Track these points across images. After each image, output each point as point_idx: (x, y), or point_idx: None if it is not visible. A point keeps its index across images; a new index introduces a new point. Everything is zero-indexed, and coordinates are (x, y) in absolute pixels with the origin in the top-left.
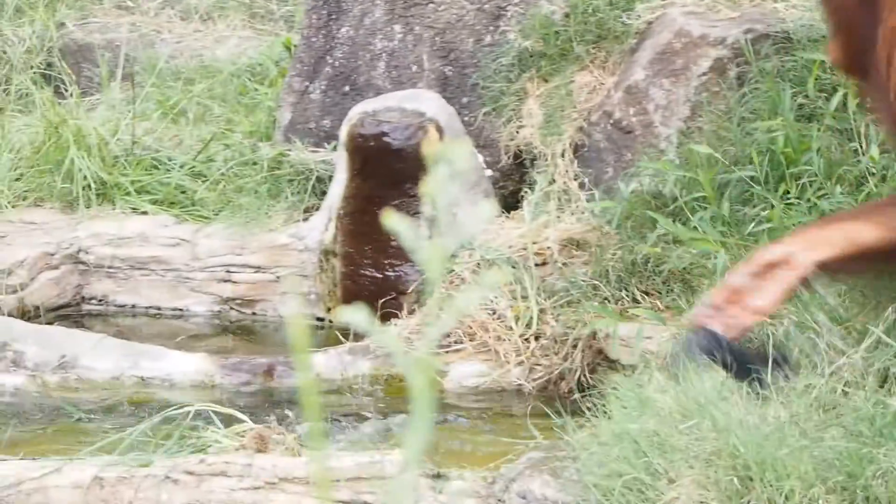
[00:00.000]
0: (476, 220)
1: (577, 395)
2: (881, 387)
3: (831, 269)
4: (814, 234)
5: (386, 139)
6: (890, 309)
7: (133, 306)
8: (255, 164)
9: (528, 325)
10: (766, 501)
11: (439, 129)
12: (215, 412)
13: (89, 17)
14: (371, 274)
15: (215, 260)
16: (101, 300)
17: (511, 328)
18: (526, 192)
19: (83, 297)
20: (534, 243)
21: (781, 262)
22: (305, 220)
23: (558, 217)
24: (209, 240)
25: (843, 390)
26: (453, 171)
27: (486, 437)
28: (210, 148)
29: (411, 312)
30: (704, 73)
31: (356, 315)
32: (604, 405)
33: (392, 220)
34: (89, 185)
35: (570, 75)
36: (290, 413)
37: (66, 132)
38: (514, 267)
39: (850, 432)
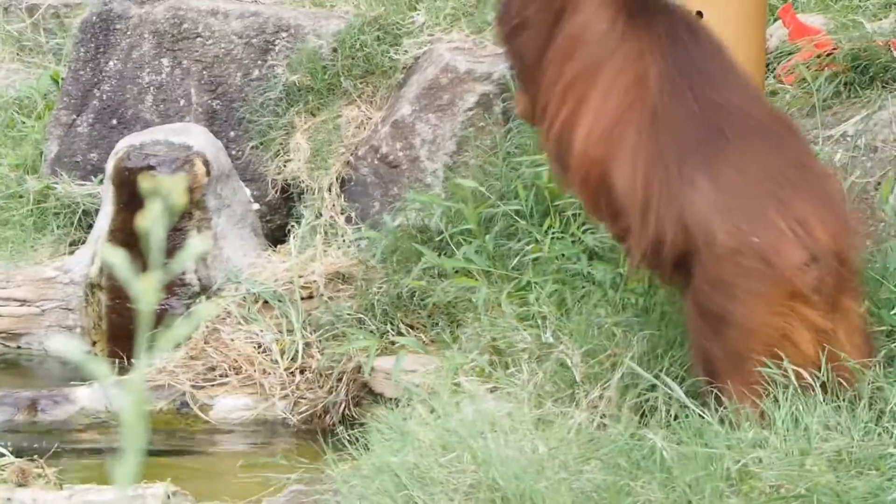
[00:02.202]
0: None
1: (341, 429)
2: (638, 420)
3: None
4: None
5: (153, 172)
6: (637, 337)
7: None
8: (21, 196)
9: (294, 359)
10: None
11: (206, 163)
12: None
13: None
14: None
15: None
16: None
17: (276, 362)
18: (293, 225)
19: None
20: (300, 277)
21: None
22: (71, 253)
23: (325, 251)
24: None
25: (600, 423)
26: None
27: (250, 470)
28: None
29: (177, 346)
30: (470, 109)
31: (67, 345)
32: (366, 438)
33: (108, 253)
34: None
35: (337, 110)
36: (53, 447)
37: None
38: (280, 301)
39: (609, 465)
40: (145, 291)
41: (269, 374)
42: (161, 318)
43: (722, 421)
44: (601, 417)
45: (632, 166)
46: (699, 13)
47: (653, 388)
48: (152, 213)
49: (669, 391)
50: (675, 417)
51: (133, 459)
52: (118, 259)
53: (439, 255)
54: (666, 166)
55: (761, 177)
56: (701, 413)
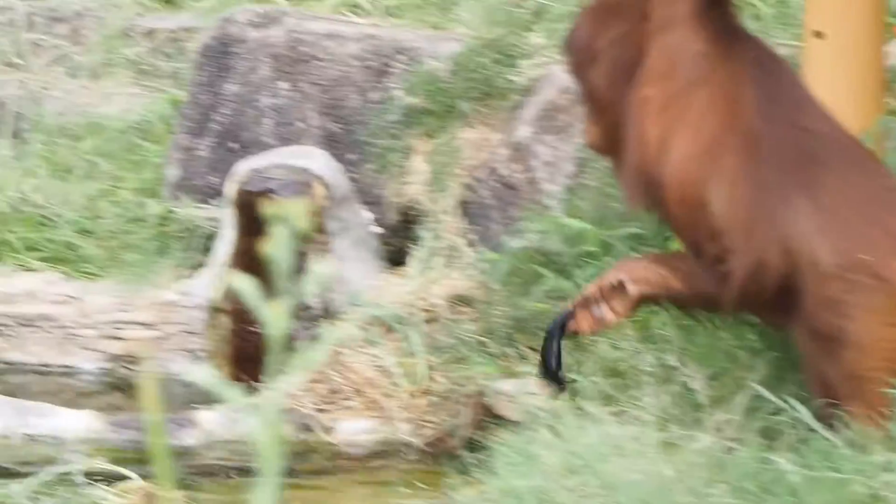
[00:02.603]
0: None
1: (464, 452)
2: (765, 443)
3: (655, 302)
4: (637, 269)
5: (273, 196)
6: (762, 360)
7: (22, 364)
8: (143, 220)
9: (417, 382)
10: None
11: (325, 186)
12: (103, 469)
13: None
14: (260, 331)
15: (103, 317)
16: None
17: (399, 385)
18: (413, 248)
19: None
20: (421, 299)
21: (618, 288)
22: (193, 277)
23: (445, 273)
24: (97, 297)
25: (726, 446)
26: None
27: (374, 493)
28: (98, 205)
29: (306, 370)
30: None
31: (202, 372)
32: (490, 462)
33: (237, 279)
34: None
35: (455, 132)
36: (178, 469)
37: None
38: (401, 324)
39: (736, 489)
40: (275, 317)
41: (392, 397)
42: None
43: (850, 444)
44: (727, 441)
45: (732, 186)
46: (819, 33)
47: (778, 410)
48: (277, 238)
49: (796, 413)
50: (803, 440)
51: (271, 484)
52: (247, 285)
53: (559, 277)
54: (766, 187)
55: (859, 198)
56: (828, 436)
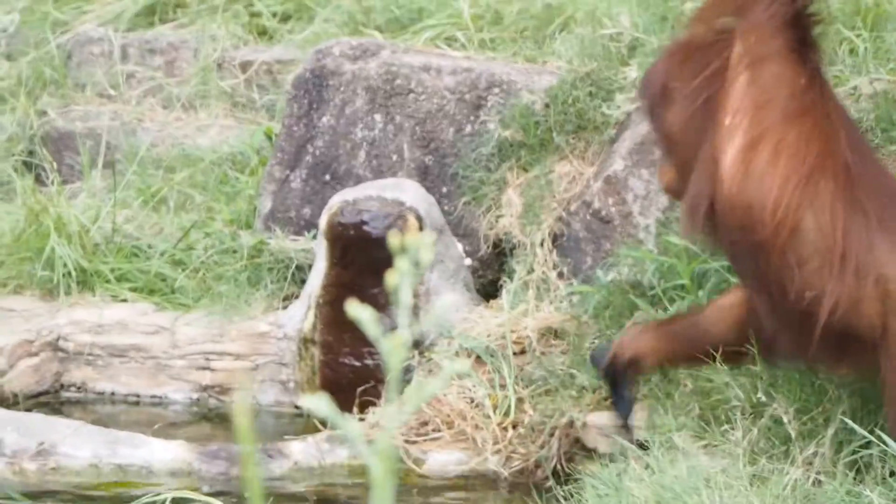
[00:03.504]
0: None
1: (553, 484)
2: (853, 476)
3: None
4: (643, 340)
5: (366, 228)
6: (847, 393)
7: (112, 393)
8: (235, 252)
9: (506, 414)
10: None
11: (419, 219)
12: (193, 499)
13: (71, 105)
14: (350, 362)
15: (194, 347)
16: (80, 387)
17: (489, 416)
18: (505, 280)
19: (62, 385)
20: (512, 332)
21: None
22: (285, 308)
23: (537, 306)
24: (188, 327)
25: (816, 479)
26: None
27: None
28: (190, 236)
29: (388, 401)
30: None
31: (318, 403)
32: (580, 494)
33: (355, 309)
34: (69, 273)
35: (549, 165)
36: (268, 500)
37: (46, 220)
38: (492, 356)
39: None
40: (394, 349)
41: (482, 428)
42: (375, 373)
43: None
44: (816, 474)
45: (830, 215)
46: None
47: (868, 443)
48: (400, 269)
49: (885, 446)
50: (892, 473)
51: None
52: (366, 316)
53: (652, 309)
54: (864, 216)
55: None
56: None
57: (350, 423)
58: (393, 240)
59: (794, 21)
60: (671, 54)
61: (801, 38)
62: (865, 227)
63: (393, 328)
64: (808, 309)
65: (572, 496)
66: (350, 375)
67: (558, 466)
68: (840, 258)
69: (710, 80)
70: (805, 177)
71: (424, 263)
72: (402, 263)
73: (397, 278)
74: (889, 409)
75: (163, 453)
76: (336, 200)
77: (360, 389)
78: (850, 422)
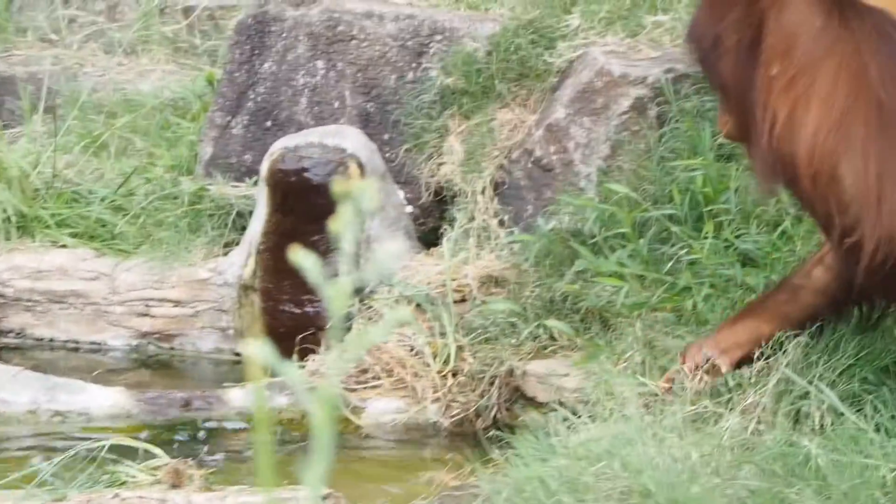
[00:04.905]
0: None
1: (493, 433)
2: (792, 426)
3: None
4: (725, 337)
5: (307, 175)
6: (792, 345)
7: (51, 340)
8: (175, 198)
9: (446, 362)
10: None
11: (360, 166)
12: (131, 446)
13: (12, 50)
14: (290, 310)
15: (134, 294)
16: (18, 333)
17: (429, 365)
18: (446, 228)
19: (1, 331)
20: (453, 280)
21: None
22: (225, 254)
23: (478, 254)
24: (128, 273)
25: (755, 429)
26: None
27: (401, 475)
28: (131, 182)
29: (329, 348)
30: (625, 113)
31: (260, 349)
32: (517, 445)
33: (298, 256)
34: (9, 218)
35: (491, 113)
36: (205, 447)
37: None
38: (432, 304)
39: (763, 471)
40: (336, 297)
41: (422, 377)
42: (315, 320)
43: (878, 429)
44: (756, 423)
45: (863, 159)
46: None
47: (806, 394)
48: (344, 216)
49: (824, 398)
50: (831, 424)
51: (322, 462)
52: (309, 262)
53: (592, 258)
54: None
55: None
56: (856, 421)
57: (291, 369)
58: (337, 187)
59: None
60: (713, 2)
61: None
62: None
63: (334, 275)
64: (852, 253)
65: (510, 447)
66: (290, 323)
67: (498, 415)
68: (876, 201)
69: (746, 24)
70: (836, 123)
71: (368, 211)
72: (345, 210)
73: (341, 225)
74: None
75: (102, 399)
76: (277, 147)
77: (299, 337)
78: (790, 372)
